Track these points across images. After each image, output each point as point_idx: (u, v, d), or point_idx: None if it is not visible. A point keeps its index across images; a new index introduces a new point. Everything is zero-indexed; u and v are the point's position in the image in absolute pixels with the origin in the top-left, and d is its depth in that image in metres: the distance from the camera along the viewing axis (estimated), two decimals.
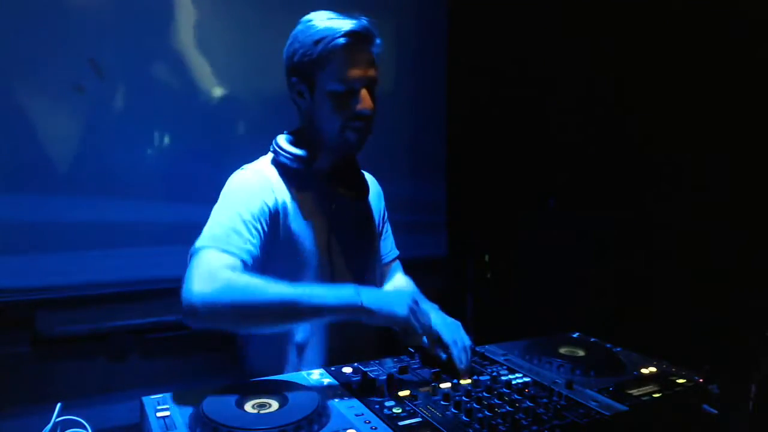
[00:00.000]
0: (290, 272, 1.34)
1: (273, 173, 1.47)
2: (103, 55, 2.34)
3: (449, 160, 3.23)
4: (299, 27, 1.42)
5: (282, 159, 1.44)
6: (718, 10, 1.97)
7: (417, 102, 3.13)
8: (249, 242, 1.31)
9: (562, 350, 1.44)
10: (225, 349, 2.55)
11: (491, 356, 1.42)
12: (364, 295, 1.21)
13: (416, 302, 1.27)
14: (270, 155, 1.49)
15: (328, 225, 1.47)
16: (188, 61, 2.53)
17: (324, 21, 1.37)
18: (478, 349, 1.46)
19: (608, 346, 1.52)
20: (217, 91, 2.61)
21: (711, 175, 2.02)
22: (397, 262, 1.77)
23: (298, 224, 1.43)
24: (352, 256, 1.52)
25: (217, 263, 1.25)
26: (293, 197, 1.44)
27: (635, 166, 2.32)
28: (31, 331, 2.29)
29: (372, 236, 1.64)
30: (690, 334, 1.94)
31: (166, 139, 2.55)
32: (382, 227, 1.72)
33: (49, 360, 2.33)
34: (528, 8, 2.72)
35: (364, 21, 1.37)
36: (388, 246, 1.75)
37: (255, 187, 1.42)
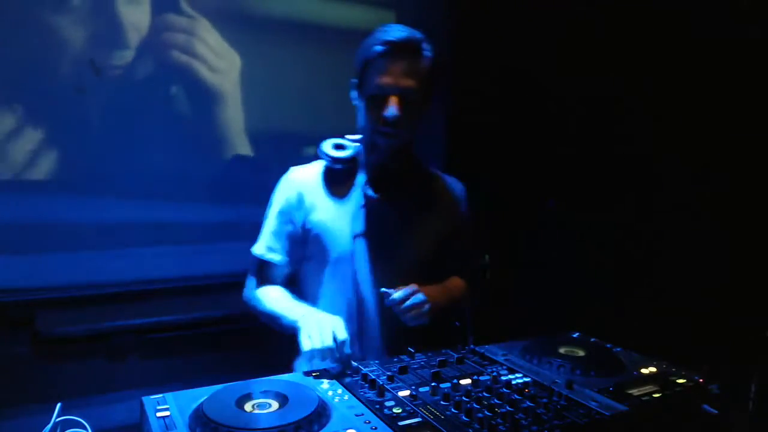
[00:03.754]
0: (327, 267, 1.56)
1: (309, 173, 1.61)
2: (104, 55, 2.34)
3: (449, 160, 3.23)
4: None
5: (322, 158, 1.57)
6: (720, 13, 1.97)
7: None
8: (278, 243, 1.60)
9: (562, 350, 1.44)
10: (225, 349, 2.56)
11: (491, 356, 1.42)
12: (302, 318, 1.38)
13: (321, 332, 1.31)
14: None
15: (358, 226, 1.54)
16: (190, 62, 2.53)
17: (382, 30, 1.46)
18: (478, 349, 1.46)
19: (608, 346, 1.52)
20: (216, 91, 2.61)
21: (711, 175, 2.02)
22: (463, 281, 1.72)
23: (327, 222, 1.56)
24: (380, 259, 1.56)
25: (252, 268, 1.65)
26: (329, 196, 1.56)
27: (635, 167, 2.32)
28: (31, 331, 2.29)
29: (412, 242, 1.59)
30: (690, 334, 1.94)
31: (166, 139, 2.54)
32: (449, 237, 1.66)
33: (49, 360, 2.33)
34: (529, 8, 2.72)
35: (410, 34, 1.44)
36: (455, 258, 1.69)
37: (283, 187, 1.61)
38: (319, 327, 1.32)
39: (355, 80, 1.54)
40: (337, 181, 1.58)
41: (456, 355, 1.39)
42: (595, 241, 2.43)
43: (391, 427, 1.04)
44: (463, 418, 1.08)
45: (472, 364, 1.37)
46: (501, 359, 1.40)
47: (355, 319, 1.58)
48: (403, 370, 1.29)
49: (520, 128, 2.84)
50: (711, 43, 2.01)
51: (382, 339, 1.60)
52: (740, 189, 1.93)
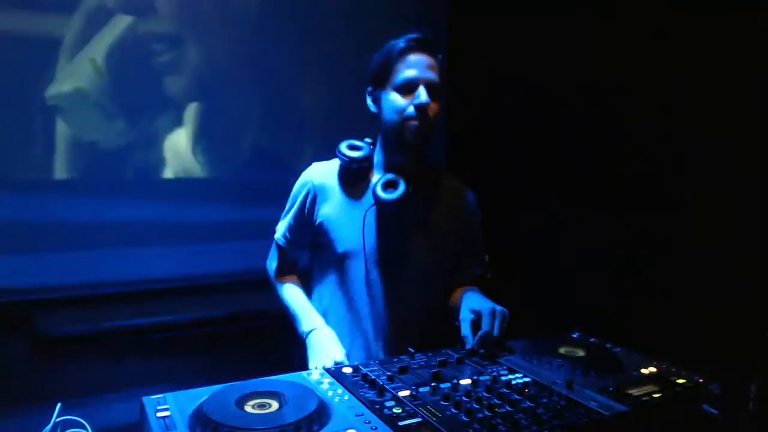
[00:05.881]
0: (336, 261, 1.63)
1: (325, 169, 1.69)
2: (104, 55, 2.34)
3: (449, 160, 3.23)
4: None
5: (338, 157, 1.64)
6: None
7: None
8: (292, 233, 1.73)
9: (562, 350, 1.44)
10: (225, 349, 2.56)
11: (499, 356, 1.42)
12: (311, 336, 1.58)
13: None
14: None
15: (371, 225, 1.61)
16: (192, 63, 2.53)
17: (397, 39, 1.59)
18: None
19: (608, 346, 1.52)
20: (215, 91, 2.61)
21: (711, 175, 2.02)
22: (476, 286, 1.73)
23: (339, 219, 1.63)
24: (388, 259, 1.62)
25: (272, 254, 1.80)
26: (343, 194, 1.65)
27: (636, 166, 2.32)
28: (30, 331, 2.29)
29: (422, 245, 1.63)
30: (690, 334, 1.94)
31: (166, 140, 2.54)
32: (459, 242, 1.70)
33: (49, 360, 2.33)
34: (528, 7, 2.72)
35: (426, 35, 1.57)
36: (465, 263, 1.74)
37: (302, 179, 1.71)
38: (322, 349, 1.52)
39: (370, 87, 1.64)
40: (351, 180, 1.66)
41: (456, 355, 1.39)
42: (595, 241, 2.43)
43: (391, 427, 1.04)
44: (463, 418, 1.08)
45: (472, 364, 1.37)
46: (501, 359, 1.40)
47: (368, 318, 1.63)
48: (403, 370, 1.29)
49: (520, 128, 2.84)
50: (710, 44, 2.01)
51: (390, 339, 1.64)
52: (740, 188, 1.93)
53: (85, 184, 2.37)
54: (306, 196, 1.68)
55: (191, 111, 2.56)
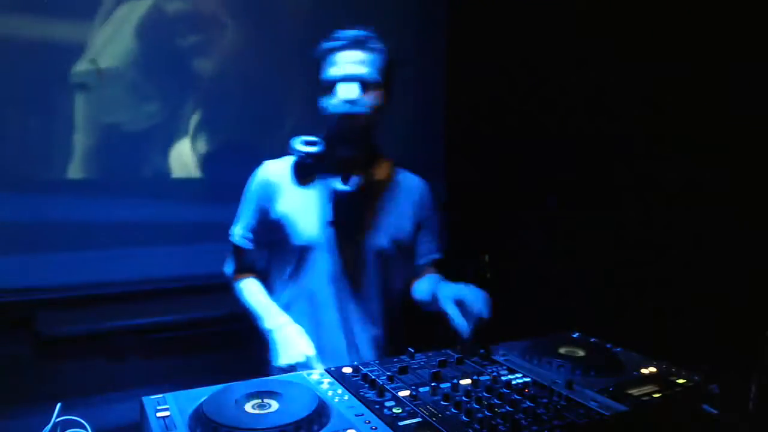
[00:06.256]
0: (295, 255, 1.68)
1: (278, 166, 1.73)
2: (102, 55, 2.34)
3: (448, 160, 3.23)
4: None
5: (293, 152, 1.67)
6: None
7: (416, 102, 3.13)
8: (249, 231, 1.76)
9: (562, 350, 1.44)
10: (225, 349, 2.56)
11: (491, 356, 1.42)
12: (276, 333, 1.61)
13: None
14: None
15: (328, 216, 1.66)
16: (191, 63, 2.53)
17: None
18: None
19: (608, 346, 1.52)
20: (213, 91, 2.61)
21: (711, 175, 2.02)
22: (435, 270, 1.83)
23: (296, 213, 1.67)
24: (346, 248, 1.67)
25: (229, 257, 1.83)
26: (298, 188, 1.68)
27: (636, 166, 2.32)
28: (31, 331, 2.29)
29: (375, 234, 1.69)
30: (690, 334, 1.94)
31: (165, 140, 2.55)
32: (414, 228, 1.77)
33: (49, 360, 2.33)
34: (527, 6, 2.72)
35: (357, 31, 1.62)
36: (424, 249, 1.82)
37: (256, 178, 1.75)
38: (289, 345, 1.55)
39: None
40: (305, 174, 1.70)
41: (456, 355, 1.39)
42: (595, 241, 2.43)
43: (391, 427, 1.04)
44: (463, 418, 1.08)
45: (472, 364, 1.37)
46: (501, 359, 1.40)
47: (333, 309, 1.69)
48: (403, 370, 1.29)
49: (520, 127, 2.84)
50: (711, 45, 2.01)
51: (354, 327, 1.70)
52: (740, 187, 1.93)
53: (85, 185, 2.37)
54: (261, 194, 1.72)
55: (192, 113, 2.56)
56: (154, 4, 2.43)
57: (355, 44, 1.60)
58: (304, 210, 1.68)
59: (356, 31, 1.63)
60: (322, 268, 1.67)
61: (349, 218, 1.67)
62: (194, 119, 2.57)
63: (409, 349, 1.41)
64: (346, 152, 1.66)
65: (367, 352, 1.71)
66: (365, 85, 1.59)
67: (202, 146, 2.59)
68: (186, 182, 2.55)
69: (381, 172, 1.71)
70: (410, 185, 1.79)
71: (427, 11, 3.13)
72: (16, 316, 2.26)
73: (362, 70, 1.59)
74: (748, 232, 1.90)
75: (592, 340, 1.56)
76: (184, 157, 2.56)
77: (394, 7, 2.99)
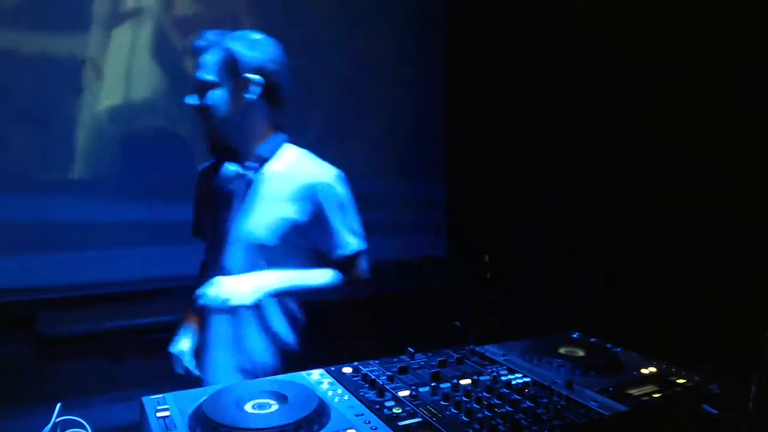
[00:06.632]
0: (206, 249, 1.81)
1: (208, 167, 1.80)
2: (101, 55, 2.34)
3: (448, 160, 3.23)
4: None
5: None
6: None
7: (416, 102, 3.13)
8: (196, 228, 1.88)
9: (562, 350, 1.44)
10: None
11: (491, 356, 1.42)
12: None
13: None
14: None
15: (217, 212, 1.73)
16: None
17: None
18: (478, 349, 1.46)
19: (608, 346, 1.51)
20: None
21: (711, 175, 2.02)
22: (337, 268, 1.74)
23: (206, 206, 1.78)
24: (227, 241, 1.71)
25: None
26: (213, 185, 1.74)
27: (636, 166, 2.32)
28: (31, 331, 2.29)
29: (259, 225, 1.67)
30: (690, 334, 1.94)
31: (165, 141, 2.55)
32: (309, 221, 1.67)
33: (49, 360, 2.33)
34: (527, 6, 2.72)
35: (204, 36, 1.64)
36: (324, 246, 1.71)
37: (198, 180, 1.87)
38: (178, 339, 1.73)
39: None
40: (212, 173, 1.76)
41: (456, 355, 1.38)
42: (595, 241, 2.43)
43: (391, 427, 1.04)
44: (463, 418, 1.08)
45: (472, 364, 1.37)
46: (501, 359, 1.40)
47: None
48: (403, 370, 1.29)
49: (520, 127, 2.84)
50: (711, 46, 2.01)
51: (234, 326, 1.71)
52: (740, 187, 1.93)
53: (85, 185, 2.37)
54: (196, 194, 1.87)
55: (193, 114, 2.56)
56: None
57: (200, 50, 1.64)
58: (205, 207, 1.80)
59: (205, 33, 1.66)
60: (213, 260, 1.74)
61: (226, 211, 1.71)
62: (195, 120, 2.57)
63: (409, 349, 1.41)
64: (214, 148, 1.72)
65: (257, 349, 1.69)
66: (208, 86, 1.63)
67: (203, 147, 2.59)
68: (185, 183, 2.55)
69: (276, 164, 1.69)
70: (307, 177, 1.68)
71: (427, 11, 3.13)
72: (16, 316, 2.26)
73: (204, 74, 1.63)
74: (748, 232, 1.90)
75: (592, 340, 1.56)
76: (185, 157, 2.56)
77: (394, 7, 2.98)
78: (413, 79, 3.10)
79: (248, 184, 1.68)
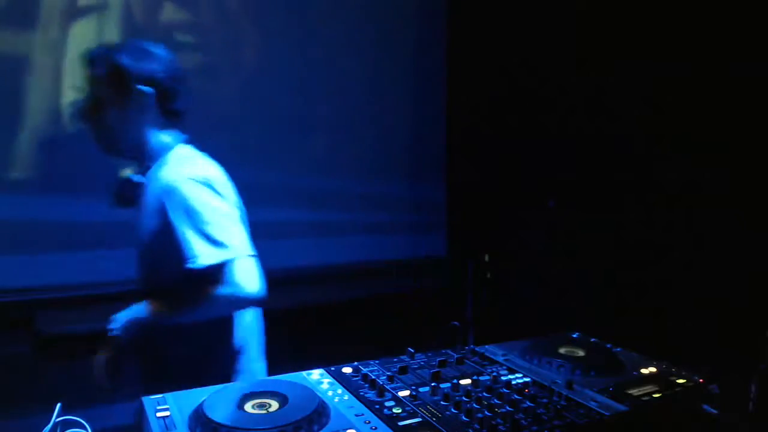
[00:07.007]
0: None
1: None
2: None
3: (449, 160, 3.23)
4: None
5: None
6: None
7: (416, 102, 3.13)
8: None
9: (562, 350, 1.44)
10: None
11: (491, 356, 1.42)
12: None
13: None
14: None
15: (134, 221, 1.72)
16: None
17: None
18: (478, 349, 1.46)
19: (608, 346, 1.51)
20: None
21: (711, 176, 2.02)
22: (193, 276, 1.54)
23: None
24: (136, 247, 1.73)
25: None
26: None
27: (636, 166, 2.32)
28: (31, 331, 2.29)
29: (145, 233, 1.67)
30: (690, 334, 1.94)
31: None
32: (161, 229, 1.58)
33: (49, 360, 2.33)
34: (528, 6, 2.72)
35: (91, 51, 1.65)
36: (179, 255, 1.53)
37: None
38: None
39: None
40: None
41: (456, 355, 1.38)
42: (595, 241, 2.43)
43: (391, 427, 1.04)
44: (463, 418, 1.08)
45: (472, 364, 1.36)
46: (501, 359, 1.40)
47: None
48: (403, 370, 1.29)
49: (520, 128, 2.84)
50: (711, 46, 2.01)
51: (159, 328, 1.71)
52: (740, 188, 1.93)
53: (85, 185, 2.37)
54: None
55: (194, 115, 2.56)
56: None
57: (87, 63, 1.65)
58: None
59: (93, 49, 1.67)
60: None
61: (134, 220, 1.71)
62: (194, 118, 2.56)
63: (409, 349, 1.41)
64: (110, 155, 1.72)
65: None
66: (96, 100, 1.65)
67: (203, 147, 2.59)
68: None
69: (159, 169, 1.66)
70: (159, 183, 1.61)
71: (427, 11, 3.13)
72: (16, 316, 2.26)
73: (89, 90, 1.65)
74: (749, 234, 1.90)
75: (592, 340, 1.56)
76: None
77: (394, 7, 2.98)
78: (413, 79, 3.10)
79: (142, 191, 1.68)
